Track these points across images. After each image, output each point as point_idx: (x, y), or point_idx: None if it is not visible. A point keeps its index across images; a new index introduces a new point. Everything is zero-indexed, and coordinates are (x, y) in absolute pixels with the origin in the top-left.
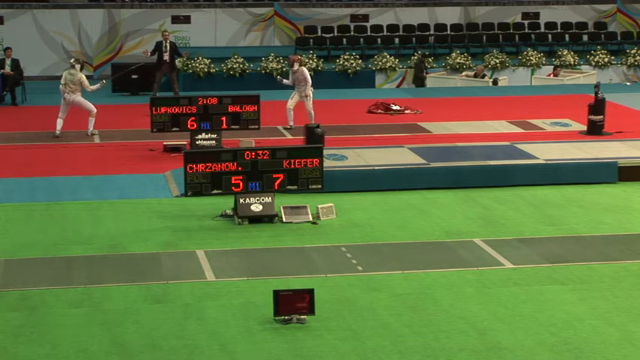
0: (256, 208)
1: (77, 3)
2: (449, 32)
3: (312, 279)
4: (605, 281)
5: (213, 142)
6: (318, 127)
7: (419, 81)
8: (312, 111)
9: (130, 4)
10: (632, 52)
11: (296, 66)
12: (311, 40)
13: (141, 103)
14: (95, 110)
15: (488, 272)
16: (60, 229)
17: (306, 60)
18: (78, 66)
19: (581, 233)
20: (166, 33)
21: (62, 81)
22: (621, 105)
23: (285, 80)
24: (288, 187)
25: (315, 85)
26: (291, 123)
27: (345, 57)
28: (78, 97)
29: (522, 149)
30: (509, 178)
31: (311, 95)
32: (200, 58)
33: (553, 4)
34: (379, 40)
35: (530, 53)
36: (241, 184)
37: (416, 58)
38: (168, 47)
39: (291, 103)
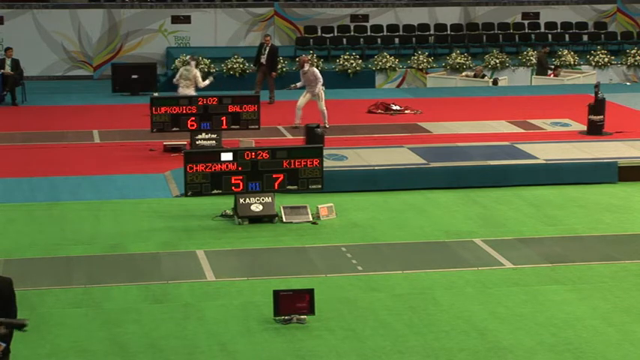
0: (256, 208)
1: (77, 3)
2: (449, 32)
3: (312, 279)
4: (605, 281)
5: (213, 142)
6: (318, 127)
7: (543, 71)
8: (325, 110)
9: (130, 4)
10: (632, 52)
11: (306, 67)
12: (311, 40)
13: (141, 103)
14: None
15: (488, 272)
16: (60, 229)
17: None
18: (193, 62)
19: (581, 233)
20: (268, 37)
21: (177, 76)
22: (621, 105)
23: (297, 84)
24: (288, 187)
25: None
26: (298, 121)
27: (345, 57)
28: (191, 92)
29: (522, 149)
30: (509, 178)
31: (323, 94)
32: (200, 58)
33: (553, 4)
34: (379, 40)
35: (530, 53)
36: (241, 184)
37: (537, 53)
38: (266, 51)
39: (301, 101)
